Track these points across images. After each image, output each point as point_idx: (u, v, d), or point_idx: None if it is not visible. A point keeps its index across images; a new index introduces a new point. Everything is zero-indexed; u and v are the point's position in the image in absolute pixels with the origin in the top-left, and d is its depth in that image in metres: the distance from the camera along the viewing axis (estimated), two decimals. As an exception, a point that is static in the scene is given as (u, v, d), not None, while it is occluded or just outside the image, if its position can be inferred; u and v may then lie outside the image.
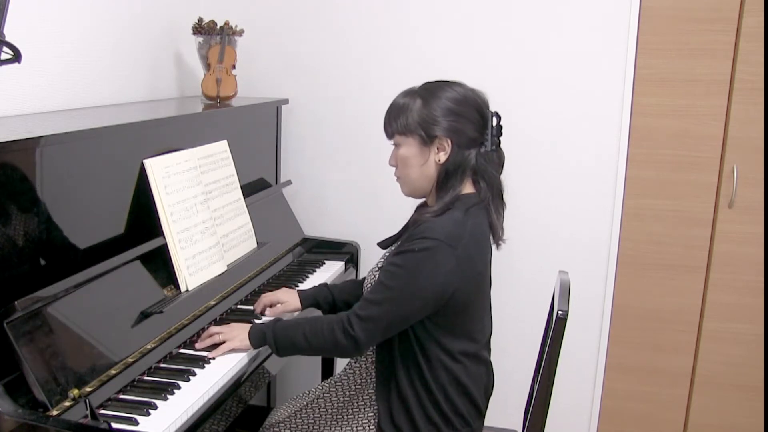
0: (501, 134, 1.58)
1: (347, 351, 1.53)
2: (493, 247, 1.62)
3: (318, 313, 1.87)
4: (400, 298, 1.47)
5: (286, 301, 1.84)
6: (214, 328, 1.66)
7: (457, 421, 1.57)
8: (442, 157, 1.53)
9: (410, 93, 1.57)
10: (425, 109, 1.53)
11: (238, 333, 1.63)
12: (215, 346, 1.63)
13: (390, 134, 1.60)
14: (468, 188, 1.56)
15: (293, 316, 1.86)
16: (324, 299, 1.84)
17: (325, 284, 1.89)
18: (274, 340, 1.57)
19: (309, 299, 1.84)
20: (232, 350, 1.62)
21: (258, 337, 1.60)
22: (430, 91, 1.55)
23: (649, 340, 2.54)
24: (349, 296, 1.83)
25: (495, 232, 1.58)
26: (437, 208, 1.52)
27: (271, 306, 1.85)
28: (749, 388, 2.49)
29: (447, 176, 1.54)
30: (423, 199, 1.67)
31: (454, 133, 1.52)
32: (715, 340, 2.49)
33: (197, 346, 1.64)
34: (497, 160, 1.58)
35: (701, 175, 2.40)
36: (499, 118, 1.57)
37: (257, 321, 1.74)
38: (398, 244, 1.59)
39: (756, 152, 2.35)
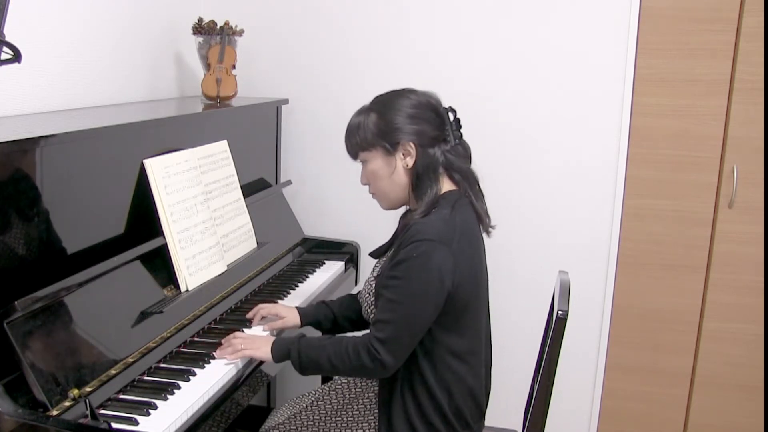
0: (460, 127, 1.59)
1: (376, 374, 1.52)
2: (488, 240, 1.62)
3: (317, 332, 1.85)
4: (411, 310, 1.46)
5: (285, 317, 1.80)
6: (235, 339, 1.63)
7: (457, 423, 1.56)
8: (409, 161, 1.54)
9: (363, 111, 1.59)
10: (381, 120, 1.54)
11: (260, 344, 1.60)
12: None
13: (354, 154, 1.61)
14: (447, 185, 1.56)
15: (292, 333, 1.83)
16: (325, 317, 1.82)
17: (323, 302, 1.86)
18: (299, 358, 1.55)
19: (309, 318, 1.82)
20: (254, 358, 1.60)
21: (281, 352, 1.57)
22: (383, 103, 1.57)
23: (649, 340, 2.54)
24: (350, 311, 1.81)
25: (482, 219, 1.59)
26: (423, 208, 1.52)
27: (269, 318, 1.82)
28: (749, 388, 2.49)
29: (419, 178, 1.54)
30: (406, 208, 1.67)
31: (416, 135, 1.53)
32: (715, 340, 2.49)
33: (216, 354, 1.60)
34: (464, 152, 1.60)
35: (701, 175, 2.40)
36: (454, 112, 1.59)
37: (281, 336, 1.72)
38: (392, 252, 1.57)
39: (756, 152, 2.35)
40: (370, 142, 1.55)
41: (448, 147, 1.56)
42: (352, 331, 1.84)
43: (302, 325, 1.81)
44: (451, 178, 1.57)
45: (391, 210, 1.66)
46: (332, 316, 1.82)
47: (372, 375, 1.53)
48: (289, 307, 1.84)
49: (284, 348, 1.57)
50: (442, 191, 1.55)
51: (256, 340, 1.62)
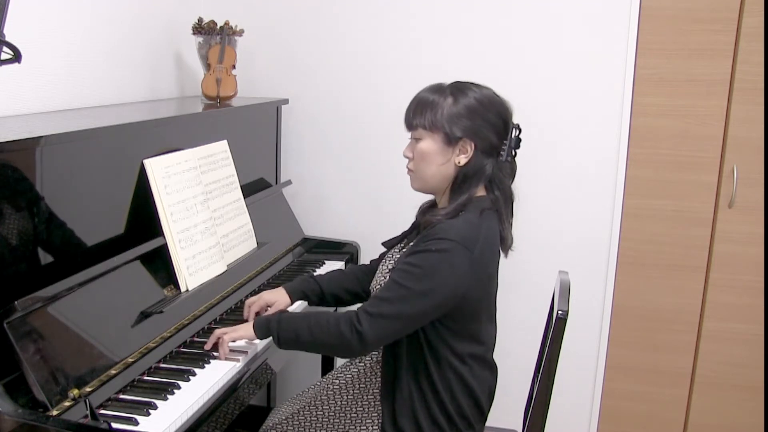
0: (519, 147, 1.58)
1: (351, 347, 1.48)
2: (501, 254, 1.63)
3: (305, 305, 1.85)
4: (413, 297, 1.45)
5: (275, 301, 1.78)
6: (217, 331, 1.63)
7: (460, 422, 1.57)
8: (463, 159, 1.53)
9: (440, 90, 1.55)
10: (455, 107, 1.52)
11: (241, 326, 1.61)
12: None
13: (413, 126, 1.57)
14: (480, 192, 1.56)
15: None
16: (312, 291, 1.80)
17: (311, 275, 1.85)
18: (277, 330, 1.54)
19: (297, 292, 1.80)
20: (237, 338, 1.60)
21: (262, 327, 1.57)
22: (460, 89, 1.54)
23: (649, 340, 2.54)
24: (338, 288, 1.81)
25: (504, 240, 1.59)
26: (450, 209, 1.51)
27: (260, 311, 1.81)
28: (749, 388, 2.49)
29: (464, 179, 1.53)
30: (426, 200, 1.68)
31: (478, 137, 1.52)
32: (715, 340, 2.49)
33: (206, 347, 1.62)
34: (510, 171, 1.59)
35: (701, 175, 2.40)
36: (519, 130, 1.57)
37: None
38: (412, 244, 1.58)
39: (756, 152, 2.35)
40: (436, 124, 1.52)
41: (499, 161, 1.55)
42: (337, 307, 1.86)
43: (292, 301, 1.80)
44: (487, 189, 1.57)
45: (418, 192, 1.64)
46: (319, 290, 1.81)
47: (347, 348, 1.49)
48: (275, 291, 1.81)
49: (265, 321, 1.58)
50: (475, 195, 1.54)
51: (235, 325, 1.63)
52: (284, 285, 1.83)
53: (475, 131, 1.51)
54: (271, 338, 1.59)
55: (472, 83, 1.57)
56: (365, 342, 1.46)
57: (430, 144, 1.54)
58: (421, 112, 1.54)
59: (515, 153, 1.59)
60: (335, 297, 1.81)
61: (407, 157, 1.60)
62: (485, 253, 1.50)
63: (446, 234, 1.46)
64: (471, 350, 1.56)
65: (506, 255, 1.63)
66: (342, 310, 1.85)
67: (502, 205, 1.56)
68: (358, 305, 1.56)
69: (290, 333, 1.54)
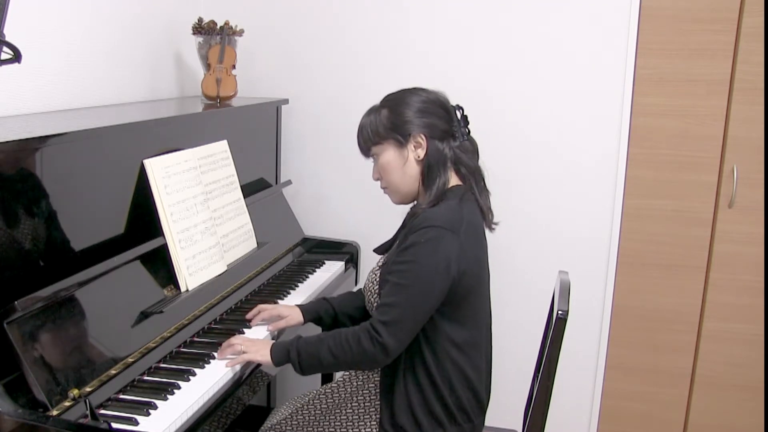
0: (468, 124, 1.64)
1: (377, 360, 1.51)
2: (489, 240, 1.64)
3: (318, 329, 1.84)
4: (417, 294, 1.48)
5: (287, 316, 1.80)
6: (234, 339, 1.63)
7: (460, 416, 1.58)
8: (420, 153, 1.58)
9: (373, 109, 1.64)
10: (393, 114, 1.59)
11: (259, 348, 1.59)
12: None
13: (366, 151, 1.65)
14: (454, 180, 1.61)
15: (295, 331, 1.83)
16: (325, 312, 1.82)
17: (324, 298, 1.87)
18: (298, 358, 1.54)
19: (311, 313, 1.82)
20: (253, 361, 1.59)
21: (281, 355, 1.56)
22: (393, 99, 1.62)
23: (649, 340, 2.54)
24: (350, 308, 1.82)
25: (486, 215, 1.63)
26: (432, 198, 1.56)
27: (270, 319, 1.82)
28: (749, 388, 2.49)
29: (430, 170, 1.58)
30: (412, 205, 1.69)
31: (426, 127, 1.57)
32: (715, 340, 2.49)
33: (217, 356, 1.60)
34: (471, 148, 1.64)
35: (701, 175, 2.40)
36: (462, 110, 1.63)
37: (279, 338, 1.72)
38: (399, 240, 1.60)
39: (756, 152, 2.35)
40: (382, 135, 1.60)
41: (456, 143, 1.60)
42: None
43: (305, 321, 1.82)
44: (459, 173, 1.61)
45: (401, 204, 1.68)
46: (333, 311, 1.82)
47: (373, 361, 1.52)
48: (290, 306, 1.84)
49: (283, 350, 1.57)
50: (450, 185, 1.59)
51: (256, 342, 1.62)
52: (299, 305, 1.84)
53: (421, 124, 1.57)
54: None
55: (401, 90, 1.64)
56: (389, 351, 1.49)
57: (386, 154, 1.61)
58: (366, 132, 1.62)
59: (468, 131, 1.64)
60: (349, 317, 1.82)
61: (376, 179, 1.67)
62: (470, 235, 1.53)
63: (430, 222, 1.49)
64: (467, 336, 1.57)
65: (491, 230, 1.66)
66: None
67: (474, 183, 1.61)
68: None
69: (311, 359, 1.54)
